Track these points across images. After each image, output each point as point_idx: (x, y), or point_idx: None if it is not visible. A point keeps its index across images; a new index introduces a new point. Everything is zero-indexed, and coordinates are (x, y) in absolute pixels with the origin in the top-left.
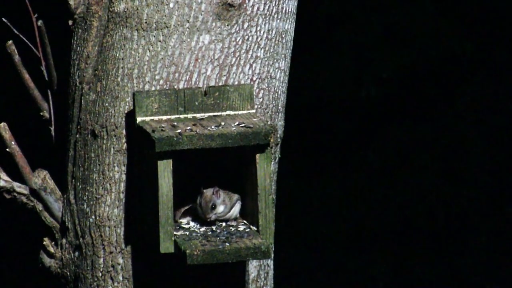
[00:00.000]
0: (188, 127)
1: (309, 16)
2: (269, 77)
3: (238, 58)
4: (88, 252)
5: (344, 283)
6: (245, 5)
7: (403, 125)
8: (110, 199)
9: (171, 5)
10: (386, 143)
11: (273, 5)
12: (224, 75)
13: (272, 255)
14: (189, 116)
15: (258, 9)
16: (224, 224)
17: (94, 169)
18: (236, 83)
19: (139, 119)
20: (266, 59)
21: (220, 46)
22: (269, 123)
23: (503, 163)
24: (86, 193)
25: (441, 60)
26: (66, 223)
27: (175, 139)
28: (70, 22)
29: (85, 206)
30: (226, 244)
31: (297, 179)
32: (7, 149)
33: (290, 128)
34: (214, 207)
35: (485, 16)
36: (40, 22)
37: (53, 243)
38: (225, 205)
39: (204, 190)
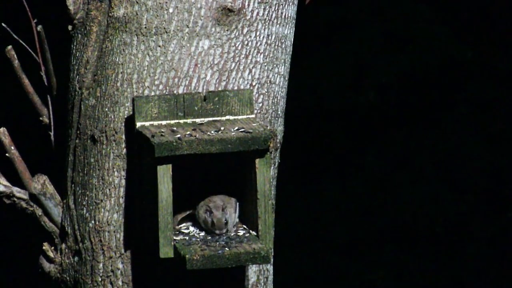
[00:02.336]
0: (188, 132)
1: (308, 21)
2: (268, 82)
3: (238, 63)
4: (87, 257)
5: (344, 287)
6: (244, 10)
7: (403, 130)
8: (110, 204)
9: (171, 10)
10: (385, 148)
11: (273, 10)
12: (224, 80)
13: (272, 260)
14: (189, 121)
15: (257, 14)
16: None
17: (94, 174)
18: (235, 88)
19: (138, 124)
20: (265, 64)
21: (219, 51)
22: (268, 128)
23: (502, 168)
24: (86, 198)
25: (440, 66)
26: (66, 228)
27: (174, 144)
28: (70, 27)
29: (84, 211)
30: (226, 249)
31: (297, 184)
32: (7, 154)
33: (290, 133)
34: (226, 223)
35: (484, 22)
36: (39, 27)
37: (52, 248)
38: (231, 218)
39: (212, 208)
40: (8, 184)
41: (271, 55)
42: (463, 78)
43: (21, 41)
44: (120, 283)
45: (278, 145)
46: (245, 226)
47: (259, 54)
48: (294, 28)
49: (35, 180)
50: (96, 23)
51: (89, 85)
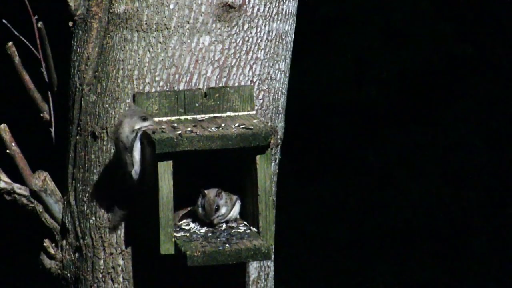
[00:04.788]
0: (188, 129)
1: (309, 17)
2: (269, 78)
3: (238, 59)
4: (88, 253)
5: (345, 284)
6: (245, 7)
7: (403, 126)
8: None
9: (171, 6)
10: (386, 144)
11: (273, 6)
12: (224, 77)
13: (273, 256)
14: (189, 117)
15: (258, 10)
16: (224, 225)
17: (95, 171)
18: (236, 84)
19: None
20: (266, 60)
21: (220, 48)
22: (269, 124)
23: (503, 165)
24: (87, 195)
25: (441, 62)
26: (67, 224)
27: (175, 140)
28: (70, 24)
29: (85, 207)
30: (227, 245)
31: (298, 180)
32: (8, 151)
33: (291, 129)
34: (217, 209)
35: (485, 18)
36: (40, 24)
37: (53, 244)
38: (227, 206)
39: (206, 192)
40: (8, 180)
41: (271, 51)
42: (464, 74)
43: (21, 37)
44: (121, 279)
45: (279, 141)
46: (246, 223)
47: (259, 50)
48: (294, 24)
49: (35, 176)
50: (96, 20)
51: (90, 82)
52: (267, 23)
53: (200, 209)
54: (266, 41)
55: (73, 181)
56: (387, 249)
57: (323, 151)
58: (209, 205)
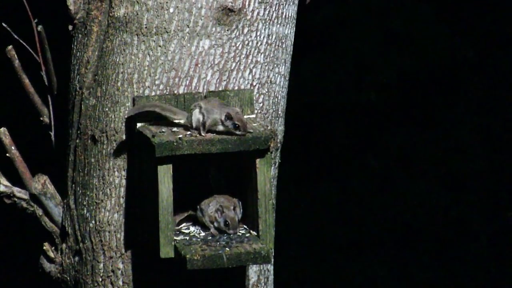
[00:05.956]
0: (188, 132)
1: (309, 21)
2: (269, 82)
3: (238, 63)
4: (88, 257)
5: (344, 287)
6: (245, 10)
7: (403, 130)
8: (110, 204)
9: (171, 10)
10: (386, 148)
11: (273, 10)
12: (224, 80)
13: (272, 260)
14: None
15: (258, 14)
16: None
17: (94, 174)
18: (236, 88)
19: (139, 124)
20: (266, 64)
21: (220, 51)
22: (269, 128)
23: (502, 168)
24: (86, 198)
25: (441, 65)
26: (66, 228)
27: (175, 144)
28: (70, 27)
29: (85, 211)
30: (226, 249)
31: (297, 184)
32: (7, 154)
33: (290, 133)
34: (238, 223)
35: (485, 21)
36: (40, 27)
37: (53, 248)
38: (240, 215)
39: (224, 208)
40: (8, 184)
41: (271, 55)
42: (464, 77)
43: (21, 41)
44: (121, 283)
45: (279, 144)
46: (245, 226)
47: (259, 54)
48: (294, 28)
49: (35, 180)
50: (96, 23)
51: (90, 85)
52: (267, 26)
53: (222, 224)
54: (266, 45)
55: (73, 185)
56: (387, 251)
57: (323, 155)
58: (232, 220)
